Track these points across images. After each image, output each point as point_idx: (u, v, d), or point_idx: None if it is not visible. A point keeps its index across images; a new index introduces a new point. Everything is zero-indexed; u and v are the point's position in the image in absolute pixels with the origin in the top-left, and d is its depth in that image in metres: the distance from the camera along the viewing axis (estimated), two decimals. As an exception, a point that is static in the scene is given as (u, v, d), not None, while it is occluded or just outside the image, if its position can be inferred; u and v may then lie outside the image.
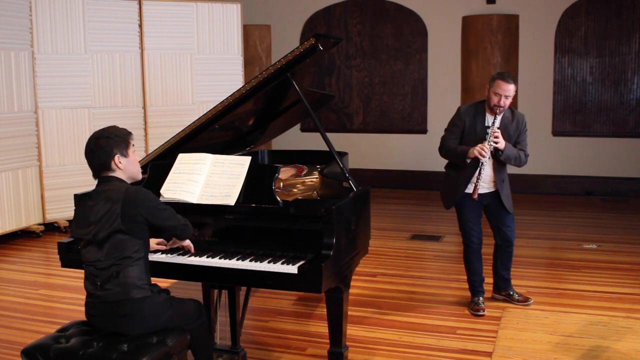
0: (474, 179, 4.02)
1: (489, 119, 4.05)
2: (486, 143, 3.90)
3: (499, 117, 3.96)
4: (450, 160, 4.20)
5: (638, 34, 7.90)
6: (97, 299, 2.67)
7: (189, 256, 2.99)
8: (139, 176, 2.87)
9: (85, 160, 2.76)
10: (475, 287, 4.30)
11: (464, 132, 4.09)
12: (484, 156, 3.89)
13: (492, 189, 4.15)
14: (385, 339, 3.85)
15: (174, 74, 7.03)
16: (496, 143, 3.92)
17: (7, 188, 6.21)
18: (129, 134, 2.80)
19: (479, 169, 3.98)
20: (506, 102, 3.94)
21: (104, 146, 2.70)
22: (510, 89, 3.91)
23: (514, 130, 4.08)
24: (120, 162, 2.72)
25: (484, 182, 4.08)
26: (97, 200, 2.67)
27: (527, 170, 8.29)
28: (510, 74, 3.99)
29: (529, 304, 4.34)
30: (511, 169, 4.27)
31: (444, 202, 4.29)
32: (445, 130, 4.18)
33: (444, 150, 4.14)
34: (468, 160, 3.96)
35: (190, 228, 2.85)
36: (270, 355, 3.66)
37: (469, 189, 4.09)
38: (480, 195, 4.08)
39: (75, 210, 2.82)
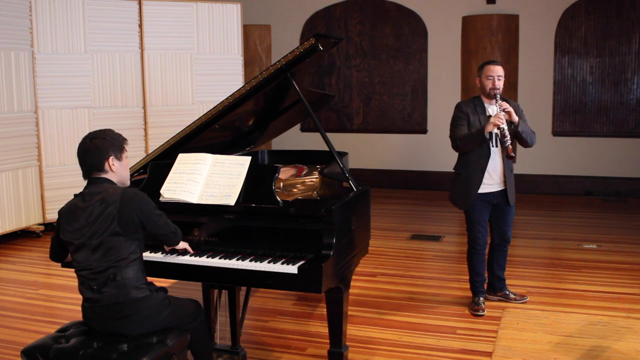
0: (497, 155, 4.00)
1: (489, 109, 4.09)
2: (498, 112, 3.93)
3: (499, 99, 4.01)
4: (468, 148, 4.06)
5: (638, 34, 7.90)
6: (94, 302, 2.65)
7: (189, 256, 2.99)
8: (128, 182, 2.86)
9: None
10: (477, 287, 4.30)
11: (469, 126, 4.07)
12: (501, 123, 3.87)
13: (502, 187, 4.15)
14: (385, 339, 3.85)
15: (174, 74, 7.03)
16: (506, 111, 3.92)
17: (7, 188, 6.21)
18: (125, 139, 2.81)
19: (498, 139, 3.98)
20: (500, 84, 4.04)
21: (99, 146, 2.70)
22: (498, 69, 4.05)
23: None
24: (113, 165, 2.72)
25: (495, 177, 4.09)
26: (90, 201, 2.64)
27: (527, 170, 8.35)
28: (495, 59, 4.17)
29: (525, 301, 4.38)
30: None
31: (459, 203, 4.22)
32: (452, 127, 4.12)
33: (458, 140, 4.04)
34: (487, 136, 3.93)
35: (179, 236, 2.84)
36: (270, 355, 3.66)
37: (492, 180, 4.09)
38: (490, 194, 4.13)
39: (63, 209, 2.73)
